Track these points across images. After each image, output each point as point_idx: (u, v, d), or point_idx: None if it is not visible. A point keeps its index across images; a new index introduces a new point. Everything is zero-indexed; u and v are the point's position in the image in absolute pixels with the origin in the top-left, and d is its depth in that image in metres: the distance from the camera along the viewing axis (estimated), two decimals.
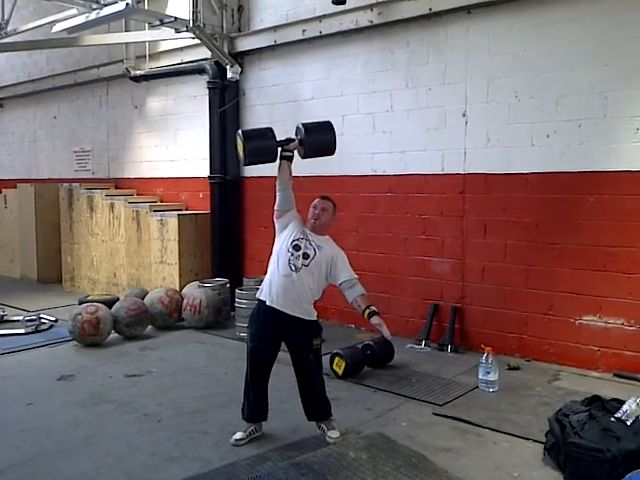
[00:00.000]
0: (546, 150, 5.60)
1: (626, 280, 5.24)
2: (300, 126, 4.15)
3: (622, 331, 5.28)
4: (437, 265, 6.36)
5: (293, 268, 3.91)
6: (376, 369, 5.51)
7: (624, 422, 3.54)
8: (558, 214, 5.58)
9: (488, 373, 4.94)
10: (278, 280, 3.95)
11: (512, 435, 4.12)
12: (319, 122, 4.31)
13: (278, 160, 4.13)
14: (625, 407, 3.67)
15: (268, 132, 4.14)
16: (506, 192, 5.87)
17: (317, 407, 4.11)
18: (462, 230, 6.18)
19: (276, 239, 4.12)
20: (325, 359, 4.54)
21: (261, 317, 4.03)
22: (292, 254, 3.94)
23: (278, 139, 4.11)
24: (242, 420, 4.14)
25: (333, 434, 4.02)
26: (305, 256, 3.92)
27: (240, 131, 4.16)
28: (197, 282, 7.57)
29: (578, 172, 5.43)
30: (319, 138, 4.18)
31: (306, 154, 4.16)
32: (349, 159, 6.91)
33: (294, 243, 3.97)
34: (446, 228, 6.28)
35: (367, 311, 3.83)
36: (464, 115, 6.08)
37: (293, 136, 4.18)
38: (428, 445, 3.97)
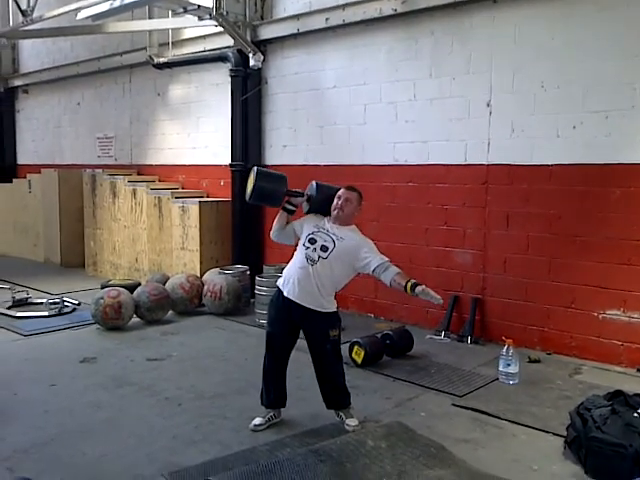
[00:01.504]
0: (571, 141, 5.52)
1: None
2: (314, 184, 4.21)
3: None
4: (458, 256, 6.32)
5: (309, 261, 3.94)
6: (395, 359, 5.51)
7: None
8: (582, 206, 5.51)
9: (508, 365, 4.92)
10: (295, 272, 4.00)
11: (532, 428, 4.10)
12: (333, 186, 4.28)
13: (280, 209, 4.21)
14: None
15: (282, 179, 4.19)
16: (530, 183, 5.80)
17: (335, 396, 4.13)
18: (484, 221, 6.13)
19: None
20: (344, 347, 4.55)
21: (280, 304, 4.07)
22: (308, 247, 3.99)
23: (291, 189, 4.16)
24: (261, 406, 4.17)
25: (352, 422, 4.04)
26: (323, 248, 3.95)
27: (256, 168, 4.20)
28: (218, 269, 7.62)
29: (604, 164, 5.35)
30: (328, 201, 4.14)
31: (309, 211, 4.23)
32: (371, 148, 6.88)
33: (309, 237, 4.03)
34: (468, 219, 6.23)
35: (409, 285, 3.74)
36: (488, 105, 6.01)
37: (303, 190, 4.21)
38: (447, 436, 3.97)
